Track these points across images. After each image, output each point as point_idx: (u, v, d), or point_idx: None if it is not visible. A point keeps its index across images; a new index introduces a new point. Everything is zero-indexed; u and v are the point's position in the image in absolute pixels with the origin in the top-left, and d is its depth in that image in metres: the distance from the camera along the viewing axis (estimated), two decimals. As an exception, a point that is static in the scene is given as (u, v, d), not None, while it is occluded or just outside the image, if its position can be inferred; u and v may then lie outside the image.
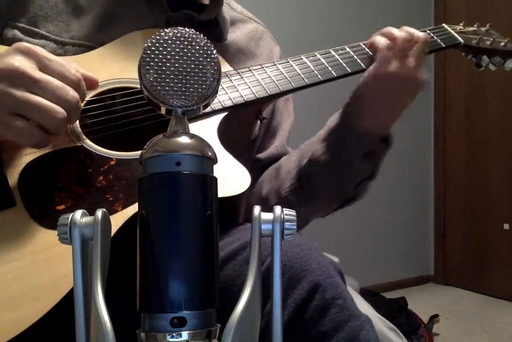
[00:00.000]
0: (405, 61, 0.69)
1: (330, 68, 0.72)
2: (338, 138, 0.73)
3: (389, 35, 0.71)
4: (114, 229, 0.50)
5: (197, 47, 0.32)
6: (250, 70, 0.70)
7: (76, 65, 0.57)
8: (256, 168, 0.81)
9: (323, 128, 0.77)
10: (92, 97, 0.63)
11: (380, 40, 0.71)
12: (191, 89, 0.31)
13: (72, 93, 0.53)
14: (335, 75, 0.72)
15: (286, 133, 0.85)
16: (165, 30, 0.32)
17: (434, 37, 0.79)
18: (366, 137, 0.71)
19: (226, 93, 0.66)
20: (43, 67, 0.53)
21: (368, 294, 2.04)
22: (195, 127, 0.62)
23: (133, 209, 0.53)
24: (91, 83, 0.59)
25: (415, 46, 0.70)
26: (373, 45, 0.72)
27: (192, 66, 0.31)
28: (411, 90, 0.71)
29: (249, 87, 0.67)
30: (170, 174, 0.29)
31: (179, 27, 0.32)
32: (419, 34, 0.72)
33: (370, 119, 0.71)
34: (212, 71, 0.32)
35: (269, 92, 0.68)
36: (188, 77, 0.31)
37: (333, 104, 0.78)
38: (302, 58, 0.73)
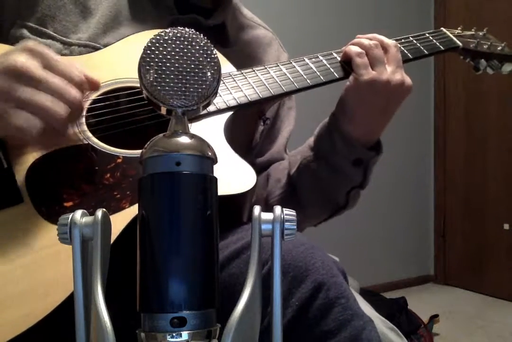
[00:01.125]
0: (381, 68, 0.69)
1: (332, 70, 0.73)
2: (328, 145, 0.73)
3: (360, 44, 0.71)
4: (121, 226, 0.51)
5: (197, 47, 0.32)
6: (254, 70, 0.70)
7: (80, 66, 0.57)
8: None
9: (312, 137, 0.77)
10: (97, 96, 0.63)
11: (352, 49, 0.71)
12: (191, 89, 0.31)
13: (74, 92, 0.54)
14: (337, 76, 0.72)
15: (284, 140, 0.86)
16: (165, 30, 0.32)
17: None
18: (354, 144, 0.72)
19: (230, 93, 0.67)
20: (48, 66, 0.54)
21: (368, 294, 2.04)
22: (201, 127, 0.62)
23: None
24: (93, 85, 0.60)
25: (387, 52, 0.71)
26: (346, 55, 0.72)
27: (192, 66, 0.31)
28: (393, 96, 0.71)
29: (253, 87, 0.68)
30: (170, 173, 0.29)
31: (179, 27, 0.32)
32: (388, 41, 0.72)
33: (356, 127, 0.72)
34: (212, 71, 0.32)
35: (272, 93, 0.68)
36: (188, 77, 0.31)
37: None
38: (304, 60, 0.73)
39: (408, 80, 0.71)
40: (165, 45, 0.31)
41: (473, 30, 0.89)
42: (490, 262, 2.67)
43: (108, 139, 0.61)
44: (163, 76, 0.31)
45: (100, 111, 0.62)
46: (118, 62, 0.67)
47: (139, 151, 0.58)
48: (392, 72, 0.70)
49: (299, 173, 0.76)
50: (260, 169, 0.83)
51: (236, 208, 0.63)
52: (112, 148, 0.59)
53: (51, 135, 0.55)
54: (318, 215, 0.80)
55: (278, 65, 0.72)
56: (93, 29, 0.70)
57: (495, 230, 2.62)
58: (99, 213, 0.31)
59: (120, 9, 0.72)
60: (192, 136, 0.31)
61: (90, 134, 0.60)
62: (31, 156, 0.57)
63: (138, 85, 0.66)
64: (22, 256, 0.51)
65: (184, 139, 0.30)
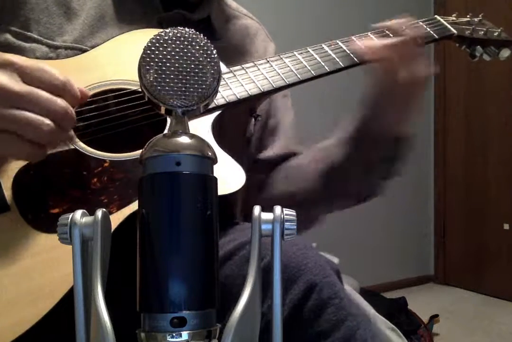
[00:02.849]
0: (410, 67, 0.67)
1: (323, 63, 0.71)
2: (359, 144, 0.73)
3: (388, 45, 0.69)
4: (109, 230, 0.51)
5: (197, 47, 0.32)
6: (243, 68, 0.69)
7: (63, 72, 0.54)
8: (262, 168, 0.80)
9: (337, 133, 0.76)
10: None
11: (377, 47, 0.69)
12: (191, 89, 0.31)
13: (59, 102, 0.51)
14: (328, 70, 0.71)
15: (289, 130, 0.84)
16: (165, 30, 0.32)
17: (427, 28, 0.78)
18: (384, 141, 0.72)
19: (219, 91, 0.66)
20: (26, 77, 0.51)
21: (368, 294, 2.04)
22: (189, 126, 0.62)
23: (128, 210, 0.53)
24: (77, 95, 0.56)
25: (411, 47, 0.69)
26: (369, 56, 0.70)
27: (192, 66, 0.31)
28: (418, 90, 0.71)
29: (242, 85, 0.67)
30: (170, 174, 0.29)
31: (179, 27, 0.32)
32: (412, 32, 0.71)
33: (390, 127, 0.71)
34: (212, 71, 0.32)
35: (262, 90, 0.67)
36: (188, 77, 0.31)
37: (333, 101, 0.77)
38: (294, 54, 0.72)
39: (427, 70, 0.70)
40: (165, 45, 0.31)
41: (468, 16, 0.87)
42: (490, 262, 2.67)
43: (95, 143, 0.59)
44: (163, 76, 0.31)
45: (87, 115, 0.61)
46: (106, 63, 0.65)
47: (127, 154, 0.58)
48: (419, 67, 0.68)
49: (329, 172, 0.75)
50: (273, 163, 0.81)
51: (228, 208, 0.63)
52: (98, 152, 0.58)
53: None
54: (345, 205, 0.80)
55: (268, 61, 0.70)
56: (79, 31, 0.68)
57: (495, 230, 2.63)
58: (99, 213, 0.31)
59: (106, 9, 0.71)
60: (192, 136, 0.31)
61: (76, 139, 0.59)
62: (17, 164, 0.56)
63: (127, 86, 0.65)
64: (9, 264, 0.51)
65: (184, 140, 0.30)
